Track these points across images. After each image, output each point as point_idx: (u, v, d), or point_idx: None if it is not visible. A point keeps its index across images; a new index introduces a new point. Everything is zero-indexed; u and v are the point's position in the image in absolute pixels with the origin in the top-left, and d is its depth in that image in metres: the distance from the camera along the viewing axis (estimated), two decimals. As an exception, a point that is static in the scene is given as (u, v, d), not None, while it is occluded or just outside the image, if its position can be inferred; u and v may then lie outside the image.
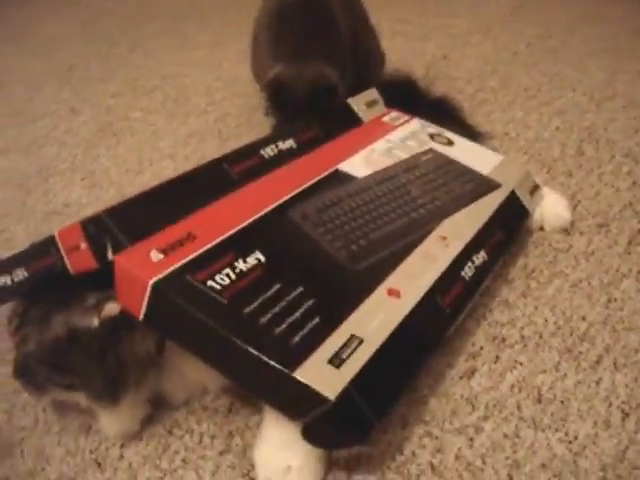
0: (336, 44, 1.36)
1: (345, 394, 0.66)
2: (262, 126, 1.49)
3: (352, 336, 0.72)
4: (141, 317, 0.72)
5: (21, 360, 0.76)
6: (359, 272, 0.81)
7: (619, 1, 2.26)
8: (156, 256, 0.73)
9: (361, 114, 1.19)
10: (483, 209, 1.00)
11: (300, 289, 0.75)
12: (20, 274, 0.80)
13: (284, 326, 0.70)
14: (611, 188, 1.20)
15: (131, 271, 0.71)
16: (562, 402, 0.80)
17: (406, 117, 1.22)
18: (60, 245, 0.75)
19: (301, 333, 0.70)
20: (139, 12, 2.54)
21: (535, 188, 1.12)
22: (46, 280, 0.79)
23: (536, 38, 1.96)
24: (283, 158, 0.99)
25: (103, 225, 0.74)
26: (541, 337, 0.89)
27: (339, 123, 1.15)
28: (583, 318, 0.92)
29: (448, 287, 0.85)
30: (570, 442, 0.75)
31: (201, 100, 1.69)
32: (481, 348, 0.88)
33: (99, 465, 0.77)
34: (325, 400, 0.65)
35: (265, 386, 0.70)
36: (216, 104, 1.65)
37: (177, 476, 0.75)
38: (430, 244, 0.89)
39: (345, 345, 0.71)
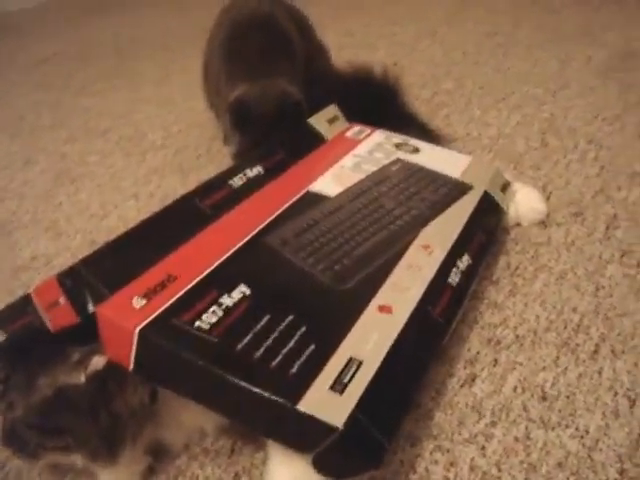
0: (293, 61, 1.35)
1: (352, 420, 0.64)
2: (222, 155, 1.47)
3: (350, 359, 0.70)
4: (131, 367, 0.69)
5: (9, 427, 0.73)
6: (347, 292, 0.80)
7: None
8: (138, 302, 0.70)
9: (323, 132, 1.17)
10: (460, 213, 0.99)
11: (290, 317, 0.73)
12: None
13: (280, 358, 0.68)
14: (580, 176, 1.20)
15: (115, 321, 0.68)
16: (567, 397, 0.79)
17: (368, 130, 1.21)
18: (37, 303, 0.73)
19: (298, 362, 0.68)
20: (83, 55, 2.51)
21: (506, 185, 1.11)
22: (25, 341, 0.76)
23: (484, 36, 1.98)
24: (252, 186, 0.97)
25: (80, 277, 0.72)
26: (536, 334, 0.88)
27: (303, 144, 1.13)
28: (574, 309, 0.91)
29: (437, 296, 0.83)
30: (582, 437, 0.74)
31: (157, 135, 1.66)
32: (478, 353, 0.86)
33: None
34: (333, 429, 0.63)
35: (269, 422, 0.68)
36: (173, 137, 1.63)
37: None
38: (413, 254, 0.88)
39: (345, 369, 0.69)
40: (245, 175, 0.98)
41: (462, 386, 0.82)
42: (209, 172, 1.41)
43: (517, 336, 0.88)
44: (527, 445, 0.74)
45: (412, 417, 0.79)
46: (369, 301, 0.78)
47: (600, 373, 0.81)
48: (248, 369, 0.67)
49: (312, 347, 0.70)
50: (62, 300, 0.71)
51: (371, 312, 0.77)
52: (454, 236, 0.93)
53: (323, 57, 1.54)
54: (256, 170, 1.00)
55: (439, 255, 0.88)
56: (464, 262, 0.90)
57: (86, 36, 2.81)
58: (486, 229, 1.00)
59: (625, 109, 1.43)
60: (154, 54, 2.36)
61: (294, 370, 0.67)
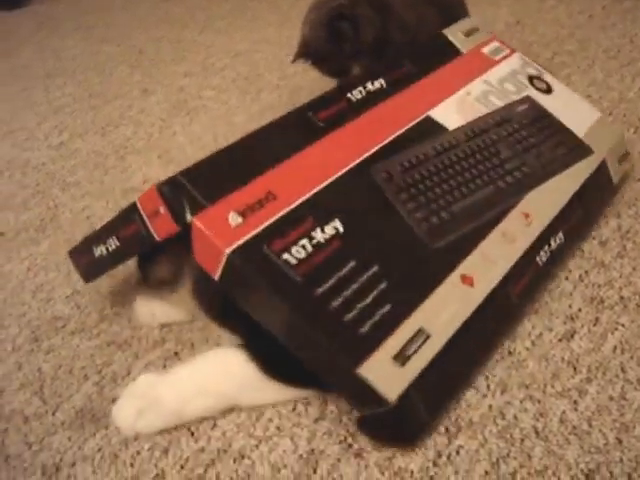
0: None
1: (405, 396, 0.65)
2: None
3: (420, 330, 0.69)
4: (216, 278, 0.70)
5: None
6: (437, 251, 0.77)
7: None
8: (234, 220, 0.70)
9: (459, 44, 1.08)
10: (570, 181, 0.93)
11: (375, 268, 0.72)
12: (112, 243, 0.80)
13: (354, 312, 0.68)
14: None
15: (208, 236, 0.68)
16: (669, 363, 0.77)
17: (507, 50, 1.12)
18: (142, 211, 0.73)
19: (370, 322, 0.68)
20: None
21: (625, 156, 1.05)
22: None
23: (611, 0, 1.90)
24: (372, 100, 0.91)
25: (179, 186, 0.71)
26: (642, 298, 0.86)
27: (434, 56, 1.04)
28: (685, 278, 0.88)
29: (521, 274, 0.80)
30: (680, 404, 0.72)
31: (273, 76, 1.67)
32: (579, 310, 0.84)
33: (192, 434, 0.76)
34: (386, 401, 0.64)
35: (330, 371, 0.69)
36: (288, 79, 1.64)
37: (272, 443, 0.74)
38: (511, 221, 0.84)
39: (411, 340, 0.68)
40: (365, 88, 0.92)
41: (560, 340, 0.80)
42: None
43: (622, 297, 0.85)
44: (621, 405, 0.72)
45: (505, 364, 0.78)
46: (454, 268, 0.76)
47: None
48: (322, 318, 0.67)
49: (387, 307, 0.69)
50: (162, 209, 0.70)
51: (454, 281, 0.75)
52: (557, 208, 0.88)
53: None
54: (378, 83, 0.94)
55: (536, 228, 0.85)
56: (557, 240, 0.87)
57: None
58: (588, 206, 0.95)
59: None
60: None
61: (365, 329, 0.67)
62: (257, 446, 0.74)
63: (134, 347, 0.89)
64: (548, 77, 1.10)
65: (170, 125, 1.49)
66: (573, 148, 0.98)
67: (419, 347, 0.68)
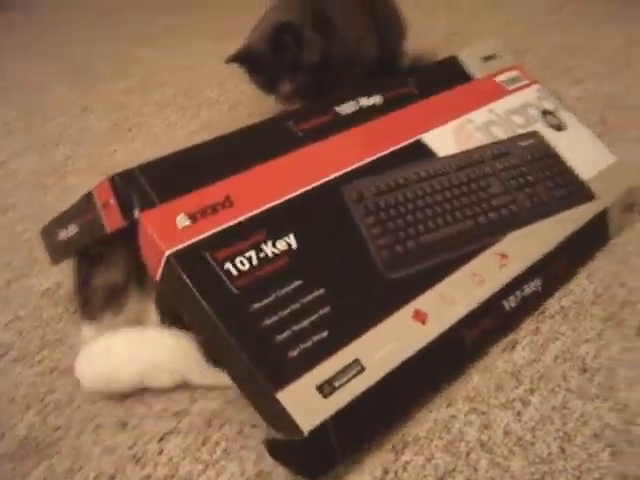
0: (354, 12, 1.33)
1: (321, 429, 0.62)
2: (274, 113, 1.47)
3: (355, 361, 0.67)
4: (157, 279, 0.69)
5: None
6: (392, 282, 0.74)
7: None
8: (182, 222, 0.68)
9: (473, 70, 1.03)
10: (561, 226, 0.88)
11: (321, 291, 0.69)
12: (73, 229, 0.78)
13: (286, 334, 0.66)
14: (639, 155, 1.17)
15: (152, 235, 0.67)
16: (608, 371, 0.78)
17: (526, 80, 1.07)
18: (97, 200, 0.71)
19: (302, 347, 0.66)
20: (144, 9, 2.52)
21: (631, 206, 1.00)
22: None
23: (547, 9, 1.94)
24: (362, 116, 0.87)
25: (133, 179, 0.69)
26: (581, 306, 0.87)
27: (443, 79, 0.99)
28: (622, 285, 0.89)
29: (481, 319, 0.77)
30: (621, 410, 0.73)
31: (213, 92, 1.67)
32: (521, 320, 0.85)
33: (138, 461, 0.75)
34: (298, 431, 0.62)
35: (250, 389, 0.67)
36: (227, 94, 1.64)
37: (220, 467, 0.73)
38: (484, 261, 0.79)
39: (343, 371, 0.65)
40: (358, 103, 0.88)
41: (503, 351, 0.81)
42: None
43: (562, 307, 0.87)
44: (564, 414, 0.73)
45: (449, 379, 0.78)
46: (408, 302, 0.73)
47: (644, 349, 0.80)
48: (250, 335, 0.65)
49: (324, 334, 0.67)
50: (112, 201, 0.69)
51: (404, 315, 0.72)
52: (539, 253, 0.83)
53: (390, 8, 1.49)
54: (373, 100, 0.90)
55: (512, 271, 0.80)
56: (532, 287, 0.83)
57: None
58: (573, 256, 0.90)
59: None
60: (218, 10, 2.36)
61: (294, 354, 0.65)
62: (204, 471, 0.73)
63: (77, 374, 0.88)
64: (565, 114, 1.05)
65: (110, 143, 1.47)
66: (573, 192, 0.92)
67: (349, 380, 0.65)
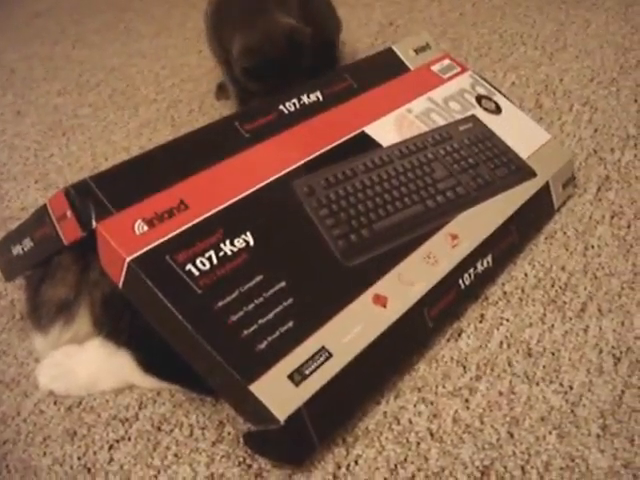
0: (288, 5, 1.32)
1: (296, 416, 0.64)
2: (214, 109, 1.46)
3: (322, 348, 0.68)
4: (120, 286, 0.69)
5: None
6: (350, 270, 0.76)
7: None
8: (140, 228, 0.69)
9: (408, 61, 1.05)
10: (507, 204, 0.91)
11: (282, 284, 0.71)
12: (27, 244, 0.77)
13: (254, 328, 0.67)
14: (574, 138, 1.19)
15: (111, 243, 0.67)
16: (553, 354, 0.79)
17: (458, 68, 1.09)
18: (52, 214, 0.71)
19: (269, 339, 0.67)
20: (78, 8, 2.48)
21: (570, 179, 1.03)
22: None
23: (481, -3, 1.95)
24: (305, 113, 0.89)
25: (87, 190, 0.69)
26: (523, 291, 0.88)
27: (379, 72, 1.01)
28: (562, 268, 0.91)
29: (440, 297, 0.79)
30: (566, 393, 0.74)
31: (150, 90, 1.64)
32: (465, 309, 0.86)
33: (89, 470, 0.74)
34: (275, 420, 0.63)
35: (224, 386, 0.68)
36: (165, 92, 1.61)
37: (171, 472, 0.72)
38: (436, 242, 0.82)
39: (311, 358, 0.67)
40: (300, 100, 0.89)
41: (448, 340, 0.82)
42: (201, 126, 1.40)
43: (504, 293, 0.88)
44: (511, 399, 0.74)
45: (397, 370, 0.79)
46: (368, 287, 0.75)
47: (586, 331, 0.82)
48: (218, 332, 0.66)
49: (290, 324, 0.69)
50: (69, 213, 0.69)
51: (364, 300, 0.74)
52: (488, 231, 0.86)
53: (322, 3, 1.50)
54: (314, 96, 0.91)
55: (463, 250, 0.83)
56: (484, 264, 0.85)
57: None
58: (523, 230, 0.93)
59: (621, 73, 1.41)
60: (150, 8, 2.33)
61: (262, 346, 0.67)
62: (156, 476, 0.72)
63: (22, 385, 0.86)
64: (499, 97, 1.07)
65: (46, 147, 1.44)
66: (514, 170, 0.95)
67: (318, 366, 0.67)
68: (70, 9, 2.51)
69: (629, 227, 0.97)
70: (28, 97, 1.74)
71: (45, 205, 0.72)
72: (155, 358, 0.77)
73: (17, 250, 0.80)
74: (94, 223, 0.68)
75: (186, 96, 1.57)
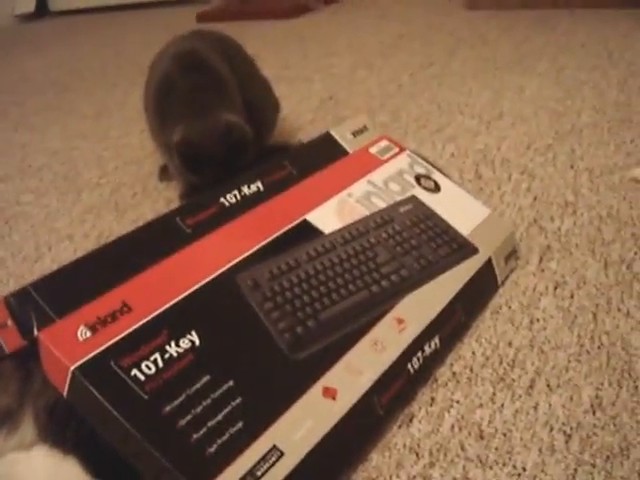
0: (225, 93, 1.34)
1: None
2: (158, 192, 1.46)
3: (273, 447, 0.67)
4: (65, 395, 0.67)
5: None
6: (298, 363, 0.75)
7: (493, 25, 2.33)
8: (83, 334, 0.67)
9: (346, 145, 1.06)
10: (451, 283, 0.92)
11: (230, 383, 0.70)
12: None
13: (203, 431, 0.66)
14: (514, 207, 1.21)
15: (54, 352, 0.66)
16: (504, 434, 0.79)
17: (396, 149, 1.10)
18: None
19: (219, 441, 0.66)
20: (19, 90, 2.48)
21: (512, 253, 1.05)
22: None
23: (418, 67, 2.00)
24: (247, 204, 0.88)
25: (28, 298, 0.68)
26: (472, 371, 0.88)
27: (318, 158, 1.01)
28: (509, 344, 0.91)
29: (389, 384, 0.79)
30: (519, 475, 0.74)
31: (92, 174, 1.64)
32: (415, 392, 0.86)
33: None
34: None
35: None
36: (108, 175, 1.61)
37: None
38: (383, 328, 0.82)
39: (263, 459, 0.66)
40: (240, 192, 0.89)
41: (400, 427, 0.81)
42: (145, 210, 1.40)
43: (453, 373, 0.88)
44: (465, 485, 0.74)
45: (350, 462, 0.78)
46: (316, 380, 0.74)
47: (536, 408, 0.82)
48: (166, 438, 0.65)
49: (239, 425, 0.68)
50: (9, 322, 0.67)
51: (314, 394, 0.73)
52: (434, 312, 0.87)
53: (260, 86, 1.53)
54: (254, 187, 0.91)
55: (410, 334, 0.83)
56: (431, 346, 0.85)
57: (22, 70, 2.77)
58: (469, 307, 0.93)
59: (556, 139, 1.46)
60: (91, 88, 2.34)
61: (212, 450, 0.65)
62: None
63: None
64: (437, 175, 1.09)
65: (-13, 237, 1.43)
66: (457, 248, 0.96)
67: (270, 467, 0.66)
68: (11, 90, 2.51)
69: (572, 297, 0.98)
70: (-31, 184, 1.73)
71: None
72: (103, 464, 0.75)
73: None
74: (36, 332, 0.67)
75: (129, 179, 1.57)
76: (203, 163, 1.25)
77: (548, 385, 0.85)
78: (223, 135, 1.25)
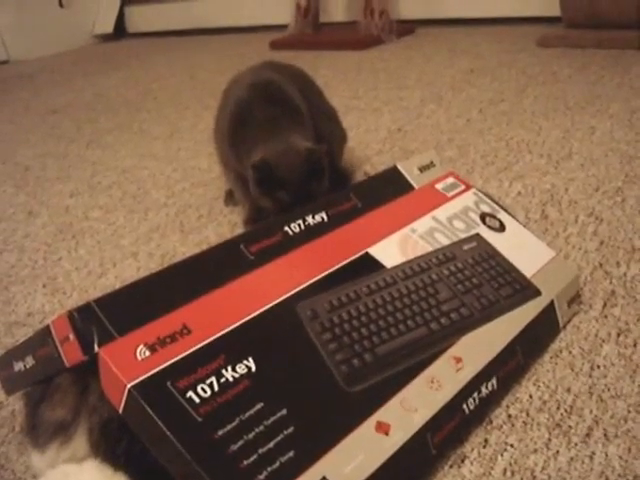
0: (305, 126, 1.36)
1: None
2: (223, 216, 1.48)
3: (323, 478, 0.67)
4: (120, 411, 0.69)
5: None
6: (352, 396, 0.75)
7: (565, 63, 2.31)
8: (142, 353, 0.69)
9: (412, 180, 1.06)
10: (512, 324, 0.90)
11: (283, 411, 0.70)
12: (29, 361, 0.77)
13: (254, 458, 0.66)
14: (579, 250, 1.19)
15: (112, 369, 0.67)
16: (558, 482, 0.77)
17: (462, 186, 1.10)
18: (54, 335, 0.71)
19: (270, 469, 0.65)
20: (94, 107, 2.54)
21: (576, 297, 1.02)
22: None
23: (488, 103, 1.99)
24: (310, 234, 0.89)
25: (91, 314, 0.70)
26: (528, 414, 0.87)
27: (384, 191, 1.02)
28: (568, 390, 0.90)
29: (443, 423, 0.78)
30: (571, 526, 0.72)
31: (160, 194, 1.67)
32: (468, 432, 0.85)
33: None
34: None
35: None
36: (176, 196, 1.64)
37: None
38: (440, 366, 0.81)
39: None
40: (305, 222, 0.90)
41: (451, 467, 0.80)
42: (209, 233, 1.42)
43: (509, 416, 0.87)
44: (515, 532, 0.72)
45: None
46: (370, 414, 0.74)
47: (592, 458, 0.80)
48: (217, 463, 0.65)
49: (290, 454, 0.67)
50: (71, 336, 0.69)
51: (367, 428, 0.73)
52: (493, 353, 0.86)
53: (330, 117, 1.55)
54: (319, 217, 0.92)
55: (467, 374, 0.82)
56: (488, 387, 0.84)
57: (97, 88, 2.85)
58: (528, 350, 0.91)
59: (626, 182, 1.43)
60: (163, 110, 2.39)
61: (262, 477, 0.65)
62: None
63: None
64: (503, 215, 1.08)
65: (55, 250, 1.46)
66: (519, 289, 0.95)
67: None
68: (86, 107, 2.58)
69: (635, 345, 0.96)
70: (40, 197, 1.77)
71: (48, 326, 0.72)
72: None
73: (19, 366, 0.80)
74: (96, 348, 0.68)
75: (196, 201, 1.59)
76: (279, 186, 1.26)
77: (605, 434, 0.83)
78: (303, 159, 1.26)
